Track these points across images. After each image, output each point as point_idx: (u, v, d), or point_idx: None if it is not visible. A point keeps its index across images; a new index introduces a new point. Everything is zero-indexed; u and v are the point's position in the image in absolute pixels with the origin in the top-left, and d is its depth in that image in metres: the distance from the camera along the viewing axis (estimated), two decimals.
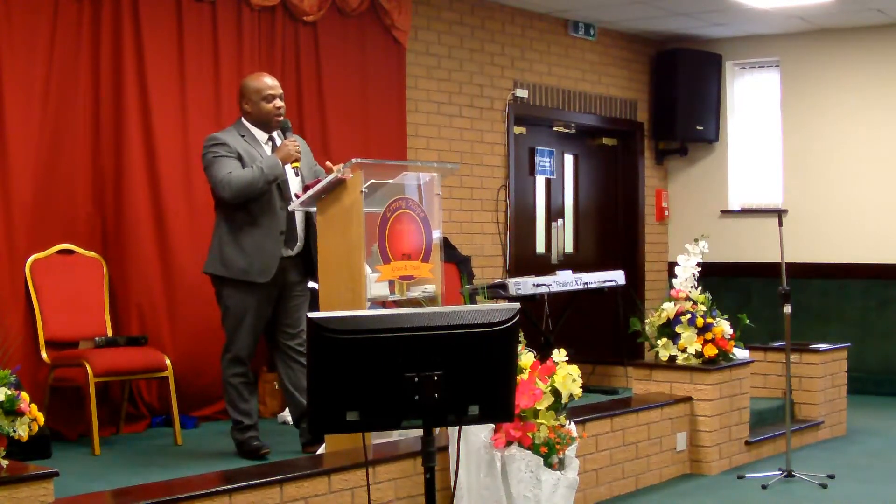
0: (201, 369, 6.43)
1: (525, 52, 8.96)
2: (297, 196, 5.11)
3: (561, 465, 4.52)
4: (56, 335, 5.83)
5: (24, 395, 3.71)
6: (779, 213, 6.15)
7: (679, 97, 9.92)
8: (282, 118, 5.41)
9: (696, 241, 6.63)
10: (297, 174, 5.32)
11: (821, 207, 9.65)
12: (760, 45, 9.95)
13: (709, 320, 6.36)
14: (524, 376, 4.51)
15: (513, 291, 6.92)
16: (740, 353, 6.64)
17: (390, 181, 5.07)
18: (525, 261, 8.98)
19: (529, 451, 4.42)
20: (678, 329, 6.36)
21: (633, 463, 5.84)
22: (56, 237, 5.98)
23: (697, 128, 9.99)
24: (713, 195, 10.22)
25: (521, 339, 4.30)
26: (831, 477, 5.97)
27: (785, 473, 5.97)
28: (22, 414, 3.68)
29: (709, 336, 6.33)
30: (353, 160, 4.89)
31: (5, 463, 3.69)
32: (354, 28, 7.49)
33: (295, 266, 5.35)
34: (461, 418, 2.87)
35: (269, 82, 5.40)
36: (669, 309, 6.40)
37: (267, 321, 5.39)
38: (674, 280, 6.61)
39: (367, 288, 4.88)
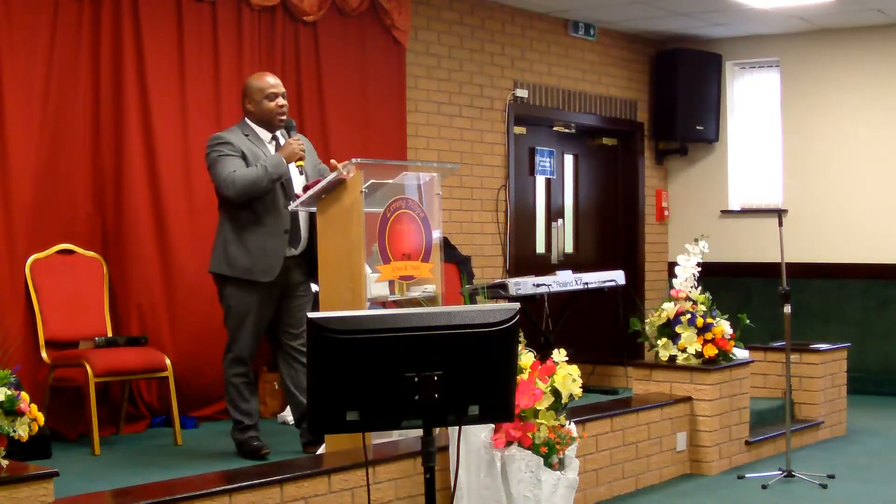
0: (201, 369, 6.43)
1: (525, 52, 8.96)
2: (297, 196, 5.10)
3: (561, 465, 4.52)
4: (56, 335, 5.83)
5: (24, 395, 3.71)
6: (779, 213, 6.14)
7: (679, 97, 9.92)
8: (285, 117, 5.40)
9: (696, 241, 6.63)
10: (301, 173, 5.31)
11: (821, 207, 9.65)
12: (760, 45, 9.96)
13: (709, 320, 6.36)
14: (524, 376, 4.51)
15: (513, 291, 6.92)
16: (740, 353, 6.64)
17: (390, 181, 5.07)
18: (525, 261, 8.98)
19: (529, 451, 4.42)
20: (678, 329, 6.36)
21: (633, 463, 5.84)
22: (56, 237, 5.98)
23: (697, 128, 9.99)
24: (713, 195, 10.22)
25: (521, 339, 4.30)
26: (831, 477, 5.98)
27: (785, 473, 5.97)
28: (22, 414, 3.68)
29: (709, 336, 6.33)
30: (353, 160, 4.89)
31: (5, 463, 3.69)
32: (354, 28, 7.49)
33: (298, 266, 5.34)
34: (461, 418, 2.87)
35: (272, 81, 5.40)
36: (669, 309, 6.40)
37: (269, 321, 5.39)
38: (674, 280, 6.61)
39: (367, 288, 4.88)
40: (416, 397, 2.76)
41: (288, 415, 6.51)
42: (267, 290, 5.27)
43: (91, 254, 6.12)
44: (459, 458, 4.26)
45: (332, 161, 5.11)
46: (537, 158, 9.32)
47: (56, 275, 5.92)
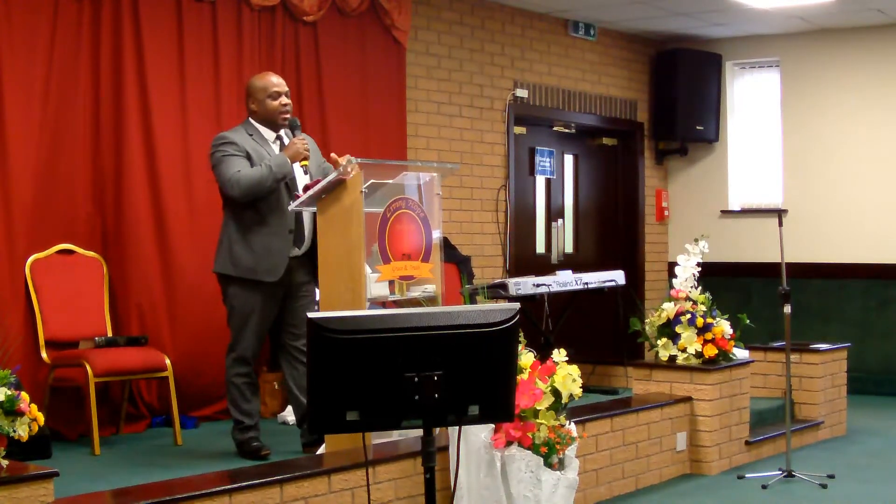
0: (201, 369, 6.43)
1: (525, 52, 8.96)
2: (297, 196, 5.10)
3: (561, 465, 4.52)
4: (56, 335, 5.83)
5: (24, 395, 3.71)
6: (779, 213, 6.14)
7: (679, 97, 9.92)
8: (288, 116, 5.40)
9: (696, 241, 6.63)
10: (305, 172, 5.31)
11: (821, 207, 9.65)
12: (760, 45, 9.96)
13: (709, 320, 6.36)
14: (524, 376, 4.51)
15: (513, 291, 6.92)
16: (740, 353, 6.64)
17: (390, 181, 5.07)
18: (525, 261, 8.98)
19: (529, 451, 4.42)
20: (678, 329, 6.36)
21: (633, 463, 5.84)
22: (56, 237, 5.98)
23: (697, 128, 9.99)
24: (713, 195, 10.22)
25: (521, 339, 4.30)
26: (831, 477, 5.98)
27: (785, 473, 5.97)
28: (22, 414, 3.68)
29: (709, 336, 6.33)
30: (348, 157, 4.89)
31: (5, 463, 3.69)
32: (354, 28, 7.49)
33: (302, 266, 5.33)
34: (461, 418, 2.87)
35: (275, 80, 5.41)
36: (669, 309, 6.40)
37: (273, 321, 5.39)
38: (674, 280, 6.61)
39: (367, 288, 4.88)
40: (416, 397, 2.76)
41: (288, 415, 6.51)
42: (271, 290, 5.27)
43: (91, 254, 6.12)
44: (459, 458, 4.26)
45: (333, 155, 5.09)
46: (537, 158, 9.32)
47: (56, 275, 5.92)
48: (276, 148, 5.37)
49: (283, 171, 5.19)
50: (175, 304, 6.41)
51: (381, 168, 5.08)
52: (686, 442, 6.25)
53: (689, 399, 6.27)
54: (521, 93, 8.90)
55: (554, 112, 9.28)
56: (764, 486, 5.85)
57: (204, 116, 6.59)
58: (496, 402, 2.90)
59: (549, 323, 7.58)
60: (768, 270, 8.29)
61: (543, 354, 4.74)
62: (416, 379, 2.75)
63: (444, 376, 2.77)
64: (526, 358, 4.58)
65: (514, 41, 8.87)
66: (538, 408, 4.49)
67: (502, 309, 2.87)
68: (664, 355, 6.40)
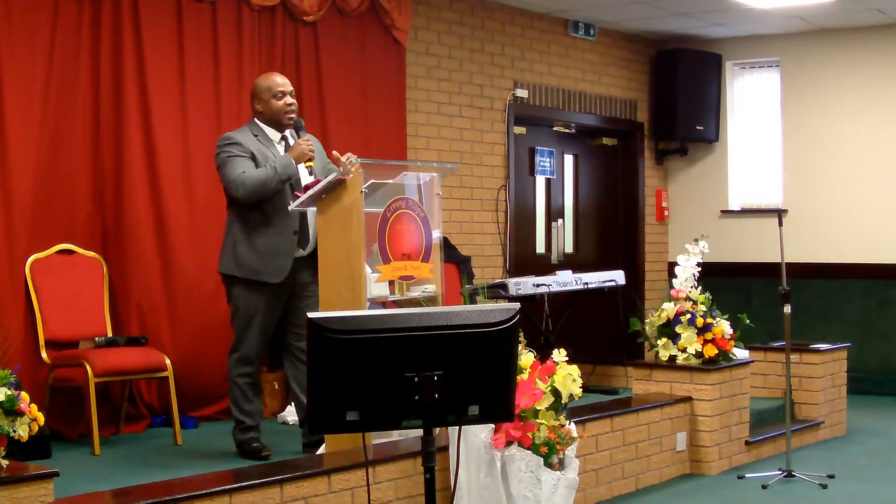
0: (201, 369, 6.44)
1: (525, 52, 8.96)
2: (297, 196, 5.11)
3: (561, 465, 4.52)
4: (56, 335, 5.83)
5: (24, 395, 3.71)
6: (779, 213, 6.14)
7: (679, 97, 9.92)
8: (293, 116, 5.40)
9: (696, 241, 6.64)
10: (310, 173, 5.30)
11: (821, 207, 9.65)
12: (760, 45, 9.96)
13: (709, 320, 6.36)
14: (524, 376, 4.51)
15: (513, 291, 6.92)
16: (740, 353, 6.64)
17: (390, 181, 5.07)
18: (525, 261, 8.98)
19: (529, 451, 4.42)
20: (678, 329, 6.36)
21: (633, 463, 5.84)
22: (56, 237, 5.98)
23: (697, 128, 9.99)
24: (713, 195, 10.22)
25: (521, 339, 4.30)
26: (831, 477, 5.98)
27: (785, 473, 5.97)
28: (22, 414, 3.68)
29: (709, 336, 6.33)
30: (349, 155, 4.89)
31: (5, 463, 3.69)
32: (354, 28, 7.49)
33: (306, 266, 5.32)
34: (461, 418, 2.87)
35: (279, 80, 5.41)
36: (669, 309, 6.40)
37: (277, 322, 5.38)
38: (674, 280, 6.61)
39: (367, 288, 4.88)
40: (416, 397, 2.76)
41: (288, 415, 6.51)
42: (275, 290, 5.27)
43: (91, 254, 6.12)
44: (459, 458, 4.26)
45: (335, 153, 5.09)
46: (537, 158, 9.32)
47: (56, 275, 5.92)
48: (280, 148, 5.37)
49: (287, 173, 5.19)
50: (175, 304, 6.41)
51: (381, 168, 5.08)
52: (686, 442, 6.25)
53: (689, 399, 6.27)
54: (521, 93, 8.90)
55: (554, 112, 9.27)
56: (764, 486, 5.85)
57: (204, 116, 6.59)
58: (496, 402, 2.90)
59: (549, 323, 7.58)
60: (768, 270, 8.29)
61: (543, 354, 4.74)
62: (416, 379, 2.75)
63: (444, 376, 2.77)
64: (526, 358, 4.58)
65: (514, 41, 8.87)
66: (538, 408, 4.49)
67: (502, 309, 2.87)
68: (664, 355, 6.40)
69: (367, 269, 4.89)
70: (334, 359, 2.73)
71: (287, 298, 5.34)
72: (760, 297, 9.57)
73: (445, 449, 4.62)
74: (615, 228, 10.19)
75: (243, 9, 6.81)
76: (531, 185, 9.33)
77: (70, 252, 6.03)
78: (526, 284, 7.06)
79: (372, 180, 4.91)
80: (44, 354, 5.76)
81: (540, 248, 9.47)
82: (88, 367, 5.50)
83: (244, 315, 5.30)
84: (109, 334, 6.03)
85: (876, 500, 5.65)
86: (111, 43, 6.22)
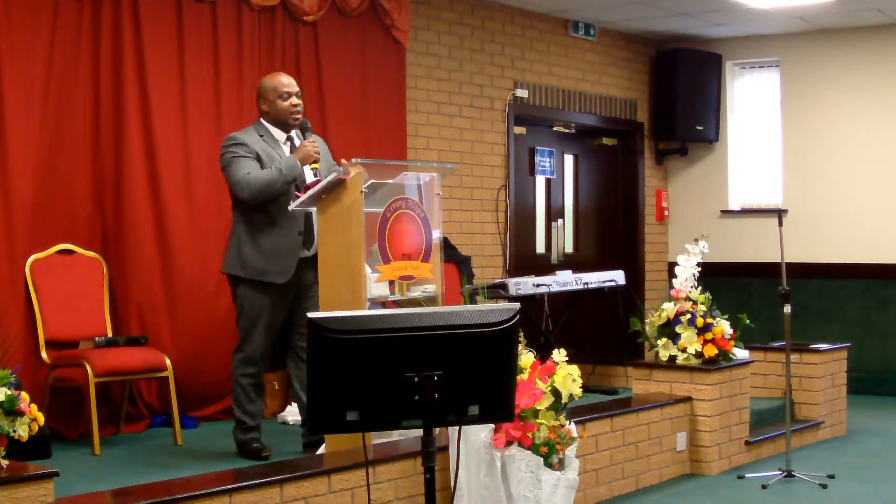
0: (201, 369, 6.44)
1: (525, 52, 8.96)
2: (297, 196, 5.11)
3: (561, 465, 4.52)
4: (56, 335, 5.84)
5: (24, 395, 3.71)
6: (779, 213, 6.14)
7: (679, 97, 9.92)
8: (299, 116, 5.40)
9: (696, 241, 6.63)
10: (315, 175, 5.30)
11: (821, 207, 9.65)
12: (760, 45, 9.96)
13: (709, 320, 6.36)
14: (524, 376, 4.51)
15: (513, 291, 6.92)
16: (740, 353, 6.64)
17: (390, 181, 5.07)
18: (525, 261, 8.98)
19: (529, 451, 4.42)
20: (678, 329, 6.36)
21: (633, 463, 5.84)
22: (56, 237, 5.98)
23: (697, 128, 9.99)
24: (713, 195, 10.22)
25: (521, 339, 4.30)
26: (831, 477, 5.98)
27: (785, 473, 5.97)
28: (22, 414, 3.68)
29: (709, 336, 6.33)
30: (354, 160, 4.89)
31: (5, 463, 3.69)
32: (354, 28, 7.49)
33: (312, 267, 5.31)
34: (461, 418, 2.87)
35: (285, 80, 5.41)
36: (669, 309, 6.40)
37: (282, 322, 5.38)
38: (674, 280, 6.60)
39: (367, 288, 4.88)
40: (416, 397, 2.76)
41: (288, 415, 6.52)
42: (280, 291, 5.27)
43: (91, 254, 6.12)
44: (459, 458, 4.26)
45: (343, 161, 5.11)
46: (537, 158, 9.32)
47: (56, 275, 5.92)
48: (286, 149, 5.38)
49: (293, 174, 5.19)
50: (175, 304, 6.41)
51: (381, 168, 5.08)
52: (686, 442, 6.25)
53: (689, 399, 6.27)
54: (521, 93, 8.90)
55: (554, 112, 9.27)
56: (764, 486, 5.85)
57: (204, 116, 6.59)
58: (496, 402, 2.90)
59: (549, 323, 7.58)
60: (768, 270, 8.29)
61: (543, 354, 4.74)
62: (416, 379, 2.75)
63: (444, 376, 2.77)
64: (526, 358, 4.58)
65: (514, 41, 8.87)
66: (538, 408, 4.49)
67: (502, 309, 2.87)
68: (664, 355, 6.40)
69: (367, 269, 4.89)
70: (334, 359, 2.73)
71: (292, 298, 5.34)
72: (760, 297, 9.57)
73: (445, 449, 4.62)
74: (615, 228, 10.19)
75: (243, 9, 6.81)
76: (531, 185, 9.33)
77: (70, 252, 6.03)
78: (526, 284, 7.06)
79: (372, 180, 4.91)
80: (44, 354, 5.76)
81: (540, 248, 9.47)
82: (88, 367, 5.50)
83: (249, 315, 5.30)
84: (109, 334, 6.03)
85: (876, 500, 5.65)
86: (111, 43, 6.22)
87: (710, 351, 6.32)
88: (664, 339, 6.40)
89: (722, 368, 6.36)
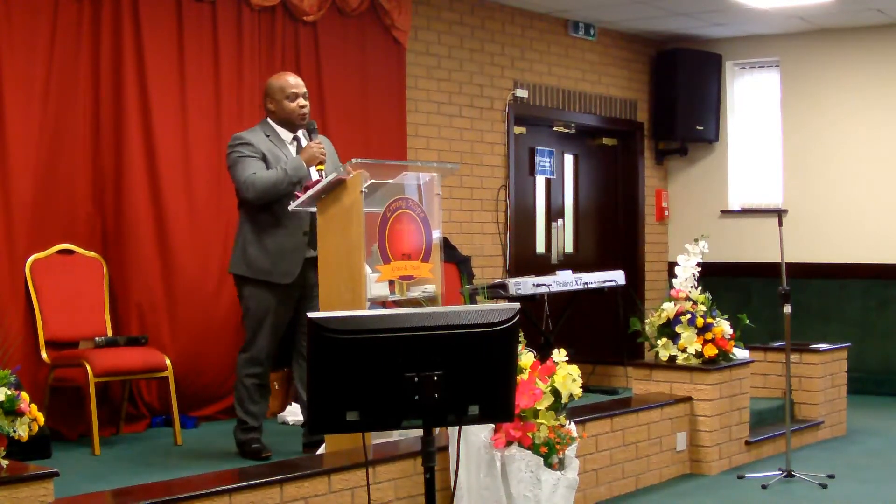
0: (201, 369, 6.44)
1: (525, 52, 8.96)
2: (297, 196, 5.10)
3: (561, 465, 4.52)
4: (56, 335, 5.84)
5: (24, 395, 3.71)
6: (779, 213, 6.14)
7: (679, 97, 9.92)
8: (306, 117, 5.40)
9: (696, 241, 6.63)
10: (321, 176, 5.30)
11: (821, 207, 9.65)
12: (760, 45, 9.96)
13: (709, 320, 6.36)
14: (524, 376, 4.51)
15: (513, 291, 6.92)
16: (740, 353, 6.64)
17: (390, 181, 5.07)
18: (525, 261, 8.98)
19: (529, 451, 4.42)
20: (678, 329, 6.36)
21: (633, 463, 5.84)
22: (56, 237, 5.98)
23: (697, 128, 9.99)
24: (713, 195, 10.22)
25: (521, 339, 4.30)
26: (831, 477, 5.98)
27: (785, 473, 5.97)
28: (22, 414, 3.68)
29: (709, 336, 6.33)
30: (353, 160, 4.89)
31: (5, 463, 3.69)
32: (354, 28, 7.49)
33: (317, 267, 5.33)
34: (461, 418, 2.87)
35: (292, 81, 5.41)
36: (669, 309, 6.40)
37: (288, 323, 5.38)
38: (674, 280, 6.60)
39: (367, 288, 4.88)
40: (416, 397, 2.76)
41: (288, 415, 6.52)
42: (286, 291, 5.27)
43: (91, 254, 6.12)
44: (459, 458, 4.26)
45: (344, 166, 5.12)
46: (537, 158, 9.32)
47: (56, 275, 5.92)
48: (292, 149, 5.38)
49: (298, 175, 5.18)
50: (175, 304, 6.41)
51: (381, 168, 5.08)
52: (686, 442, 6.25)
53: (689, 399, 6.27)
54: (521, 93, 8.90)
55: (554, 112, 9.27)
56: (764, 486, 5.85)
57: (204, 116, 6.59)
58: (496, 402, 2.90)
59: (549, 323, 7.58)
60: (768, 270, 8.29)
61: (543, 354, 4.74)
62: (416, 379, 2.75)
63: (444, 376, 2.77)
64: (526, 358, 4.58)
65: (514, 41, 8.87)
66: (538, 408, 4.49)
67: (502, 309, 2.87)
68: (664, 355, 6.40)
69: (367, 269, 4.89)
70: (334, 359, 2.73)
71: (298, 299, 5.34)
72: (760, 297, 9.57)
73: (445, 449, 4.62)
74: (615, 228, 10.19)
75: (243, 9, 6.81)
76: (531, 185, 9.33)
77: (70, 252, 6.03)
78: (526, 284, 7.06)
79: (372, 180, 4.91)
80: (44, 354, 5.76)
81: (540, 248, 9.47)
82: (88, 367, 5.50)
83: (255, 316, 5.30)
84: (109, 334, 6.03)
85: (876, 500, 5.65)
86: (111, 43, 6.22)
87: (710, 351, 6.32)
88: (664, 339, 6.40)
89: (722, 368, 6.36)
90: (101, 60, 6.19)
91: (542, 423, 4.47)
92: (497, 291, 6.90)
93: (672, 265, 7.68)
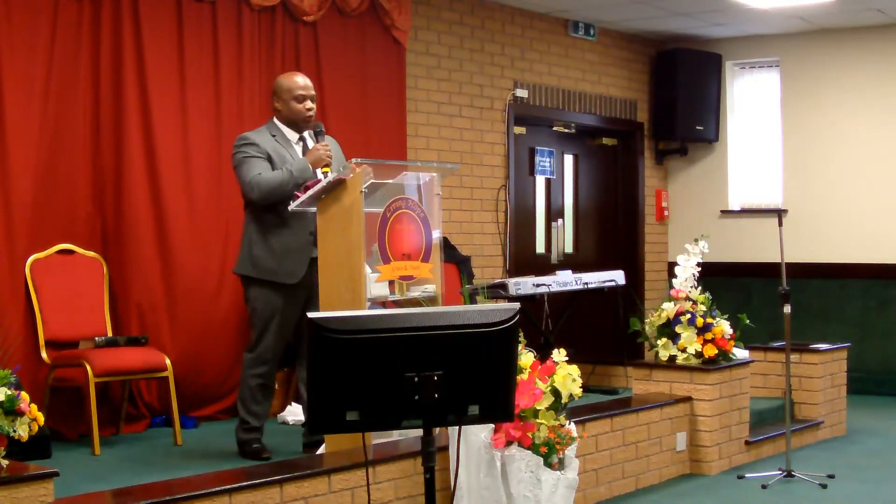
0: (201, 369, 6.44)
1: (525, 52, 8.96)
2: (297, 195, 5.10)
3: (561, 465, 4.52)
4: (56, 335, 5.84)
5: (24, 395, 3.71)
6: (779, 213, 6.14)
7: (679, 97, 9.92)
8: (311, 120, 5.40)
9: (696, 241, 6.64)
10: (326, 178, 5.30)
11: (821, 207, 9.65)
12: (760, 45, 9.96)
13: (709, 320, 6.36)
14: (524, 376, 4.51)
15: (513, 291, 6.92)
16: (740, 353, 6.64)
17: (390, 181, 5.07)
18: (525, 261, 8.98)
19: (529, 451, 4.42)
20: (678, 329, 6.36)
21: (633, 463, 5.84)
22: (56, 237, 5.98)
23: (697, 128, 9.99)
24: (713, 195, 10.22)
25: (521, 339, 4.30)
26: (831, 477, 5.98)
27: (785, 473, 5.97)
28: (22, 414, 3.68)
29: (709, 336, 6.33)
30: (354, 160, 4.90)
31: (5, 463, 3.69)
32: (354, 28, 7.49)
33: None
34: (461, 418, 2.87)
35: (301, 82, 5.41)
36: (669, 309, 6.40)
37: (296, 323, 5.38)
38: (674, 280, 6.61)
39: (367, 288, 4.88)
40: (416, 397, 2.76)
41: (288, 415, 6.52)
42: (292, 292, 5.27)
43: (91, 254, 6.12)
44: (459, 458, 4.26)
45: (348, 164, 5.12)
46: (537, 158, 9.32)
47: (56, 275, 5.92)
48: (298, 149, 5.38)
49: (304, 177, 5.18)
50: (175, 304, 6.41)
51: (381, 168, 5.08)
52: (686, 442, 6.25)
53: (689, 399, 6.27)
54: (521, 93, 8.90)
55: (554, 112, 9.27)
56: (764, 486, 5.85)
57: (204, 116, 6.59)
58: (496, 402, 2.90)
59: (549, 323, 7.58)
60: (768, 270, 8.29)
61: (543, 354, 4.74)
62: (416, 379, 2.75)
63: (444, 376, 2.77)
64: (526, 358, 4.58)
65: (514, 41, 8.87)
66: (538, 408, 4.49)
67: (502, 309, 2.87)
68: (664, 355, 6.40)
69: (367, 269, 4.89)
70: (334, 359, 2.73)
71: (304, 300, 5.32)
72: (760, 297, 9.57)
73: (445, 449, 4.62)
74: (615, 228, 10.19)
75: (243, 9, 6.81)
76: (531, 185, 9.33)
77: (70, 252, 6.03)
78: (526, 284, 7.06)
79: (372, 180, 4.91)
80: (44, 354, 5.76)
81: (540, 248, 9.47)
82: (88, 367, 5.50)
83: (262, 316, 5.30)
84: (109, 334, 6.03)
85: (876, 500, 5.65)
86: (111, 43, 6.22)
87: (710, 351, 6.32)
88: (664, 339, 6.40)
89: (722, 368, 6.36)
90: (101, 60, 6.19)
91: (542, 423, 4.47)
92: (497, 291, 6.90)
93: (672, 265, 7.68)
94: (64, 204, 6.03)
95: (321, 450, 5.10)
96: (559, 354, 4.64)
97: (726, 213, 10.17)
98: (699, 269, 6.58)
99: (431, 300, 5.07)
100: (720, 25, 9.57)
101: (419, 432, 2.91)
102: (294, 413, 6.45)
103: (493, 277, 8.36)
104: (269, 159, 5.25)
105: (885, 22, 9.21)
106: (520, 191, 9.09)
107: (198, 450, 5.62)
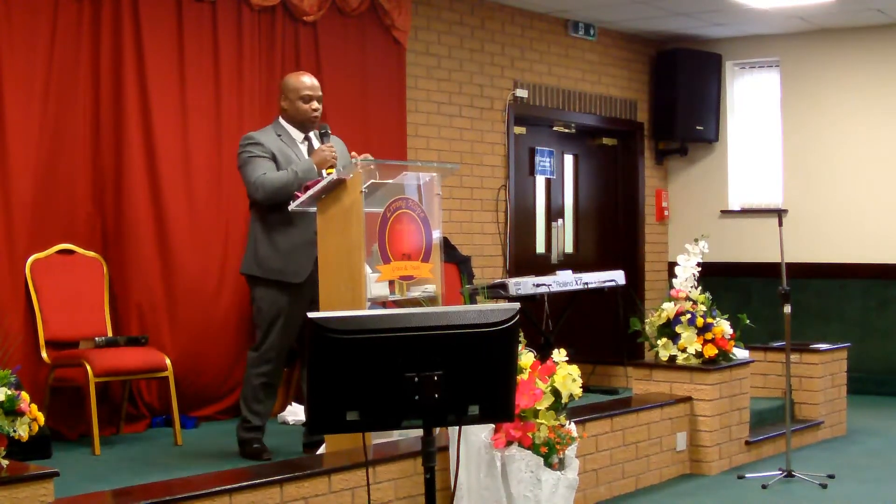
0: (201, 369, 6.44)
1: (525, 52, 8.96)
2: (297, 195, 5.10)
3: (561, 465, 4.52)
4: (56, 335, 5.83)
5: (24, 395, 3.71)
6: (779, 213, 6.14)
7: (679, 97, 9.92)
8: (316, 121, 5.40)
9: (696, 241, 6.64)
10: None
11: (821, 207, 9.66)
12: (760, 45, 9.96)
13: (709, 320, 6.36)
14: (524, 376, 4.51)
15: (513, 291, 6.92)
16: (740, 353, 6.64)
17: (390, 181, 5.07)
18: (525, 261, 8.98)
19: (529, 451, 4.42)
20: (678, 329, 6.36)
21: (633, 463, 5.84)
22: (56, 237, 5.98)
23: (697, 128, 9.99)
24: (713, 195, 10.23)
25: (521, 339, 4.30)
26: (831, 477, 5.98)
27: (785, 473, 5.97)
28: (22, 414, 3.68)
29: (709, 336, 6.33)
30: (361, 158, 4.90)
31: (5, 463, 3.69)
32: (354, 28, 7.49)
33: None
34: (461, 418, 2.87)
35: (308, 82, 5.41)
36: (669, 309, 6.40)
37: (301, 323, 5.37)
38: (674, 280, 6.61)
39: (367, 288, 4.87)
40: (416, 397, 2.76)
41: (288, 415, 6.52)
42: (298, 291, 5.27)
43: (91, 254, 6.12)
44: (459, 458, 4.26)
45: (353, 153, 5.12)
46: (537, 158, 9.32)
47: (56, 275, 5.92)
48: (303, 149, 5.38)
49: (308, 178, 5.17)
50: (175, 304, 6.41)
51: (382, 168, 5.08)
52: (686, 442, 6.25)
53: (689, 399, 6.27)
54: (521, 93, 8.90)
55: (554, 112, 9.27)
56: (764, 486, 5.85)
57: (204, 116, 6.59)
58: (496, 402, 2.90)
59: (549, 323, 7.58)
60: (768, 270, 8.29)
61: (543, 354, 4.74)
62: (416, 379, 2.75)
63: (444, 376, 2.77)
64: (526, 358, 4.58)
65: (514, 41, 8.87)
66: (538, 408, 4.49)
67: (502, 309, 2.87)
68: (664, 355, 6.40)
69: (367, 269, 4.89)
70: (334, 359, 2.73)
71: (310, 300, 5.32)
72: (760, 297, 9.57)
73: (445, 449, 4.62)
74: (615, 228, 10.19)
75: (243, 9, 6.81)
76: (531, 185, 9.33)
77: (70, 252, 6.03)
78: (526, 284, 7.06)
79: (372, 180, 4.91)
80: (44, 354, 5.76)
81: (540, 248, 9.47)
82: (88, 367, 5.50)
83: (267, 316, 5.29)
84: (109, 334, 6.03)
85: (876, 500, 5.65)
86: (111, 43, 6.22)
87: (710, 351, 6.32)
88: (664, 339, 6.40)
89: (722, 368, 6.36)
90: (101, 60, 6.19)
91: (542, 423, 4.47)
92: (497, 291, 6.90)
93: (672, 265, 7.68)
94: (64, 204, 6.03)
95: (321, 450, 5.10)
96: (559, 354, 4.64)
97: (726, 213, 10.17)
98: (699, 269, 6.58)
99: (431, 300, 5.07)
100: (720, 25, 9.57)
101: (419, 432, 2.91)
102: (294, 413, 6.45)
103: (493, 277, 8.36)
104: (274, 159, 5.25)
105: (885, 22, 9.21)
106: (520, 191, 9.09)
107: (198, 450, 5.62)
